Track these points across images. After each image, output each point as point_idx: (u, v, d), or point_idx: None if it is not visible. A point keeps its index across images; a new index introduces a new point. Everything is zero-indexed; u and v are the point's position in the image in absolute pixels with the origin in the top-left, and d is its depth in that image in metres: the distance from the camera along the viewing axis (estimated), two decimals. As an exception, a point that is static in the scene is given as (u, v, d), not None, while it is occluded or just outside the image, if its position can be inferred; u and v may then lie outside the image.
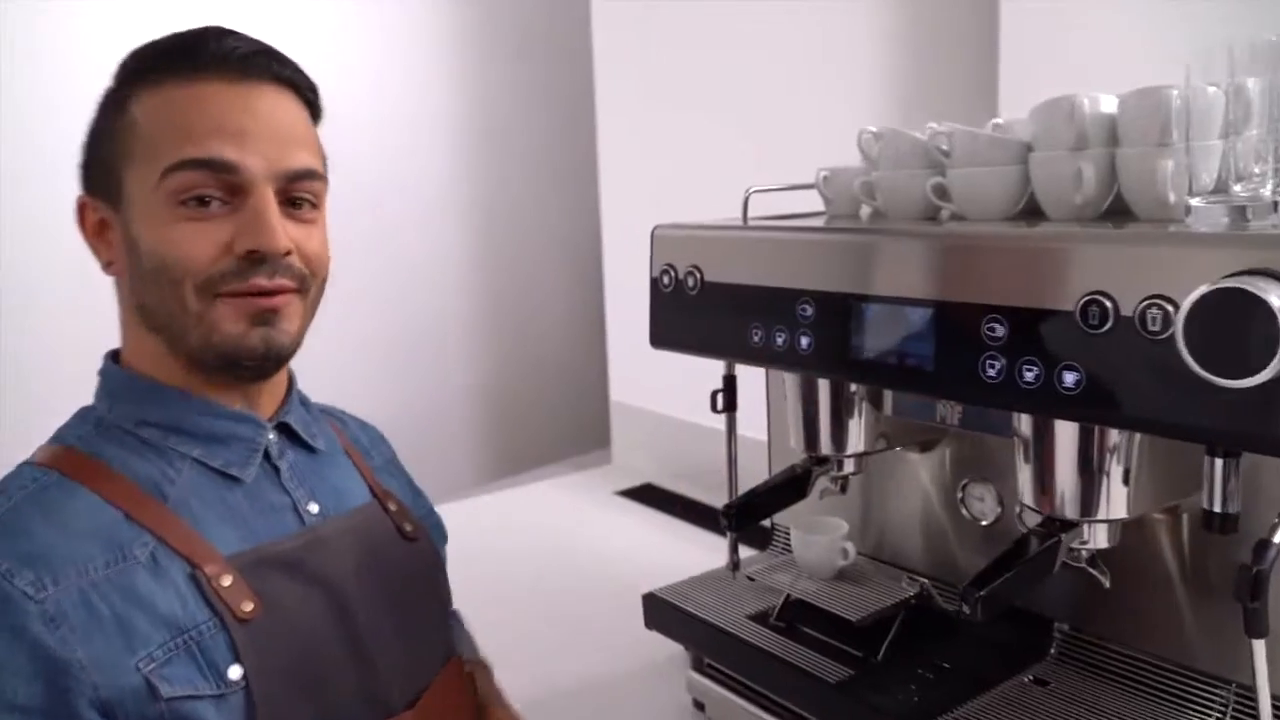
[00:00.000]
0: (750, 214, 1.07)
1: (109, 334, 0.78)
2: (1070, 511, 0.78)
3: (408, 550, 0.84)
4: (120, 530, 0.67)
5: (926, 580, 1.01)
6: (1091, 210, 0.84)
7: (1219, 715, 0.82)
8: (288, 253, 0.71)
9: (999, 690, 0.89)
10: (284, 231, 0.71)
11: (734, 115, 1.79)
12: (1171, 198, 0.78)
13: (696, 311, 1.00)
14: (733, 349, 0.98)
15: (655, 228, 1.06)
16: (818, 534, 1.06)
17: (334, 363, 2.25)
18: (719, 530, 1.62)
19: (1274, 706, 0.72)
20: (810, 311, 0.88)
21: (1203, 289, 0.61)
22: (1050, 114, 0.85)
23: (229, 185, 0.69)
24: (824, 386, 0.99)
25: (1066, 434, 0.78)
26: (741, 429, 1.15)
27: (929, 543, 1.08)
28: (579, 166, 2.44)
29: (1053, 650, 0.93)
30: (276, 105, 0.73)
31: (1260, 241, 0.63)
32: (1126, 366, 0.67)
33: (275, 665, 0.69)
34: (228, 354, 0.71)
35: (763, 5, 1.70)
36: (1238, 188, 0.74)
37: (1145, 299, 0.65)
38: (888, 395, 1.00)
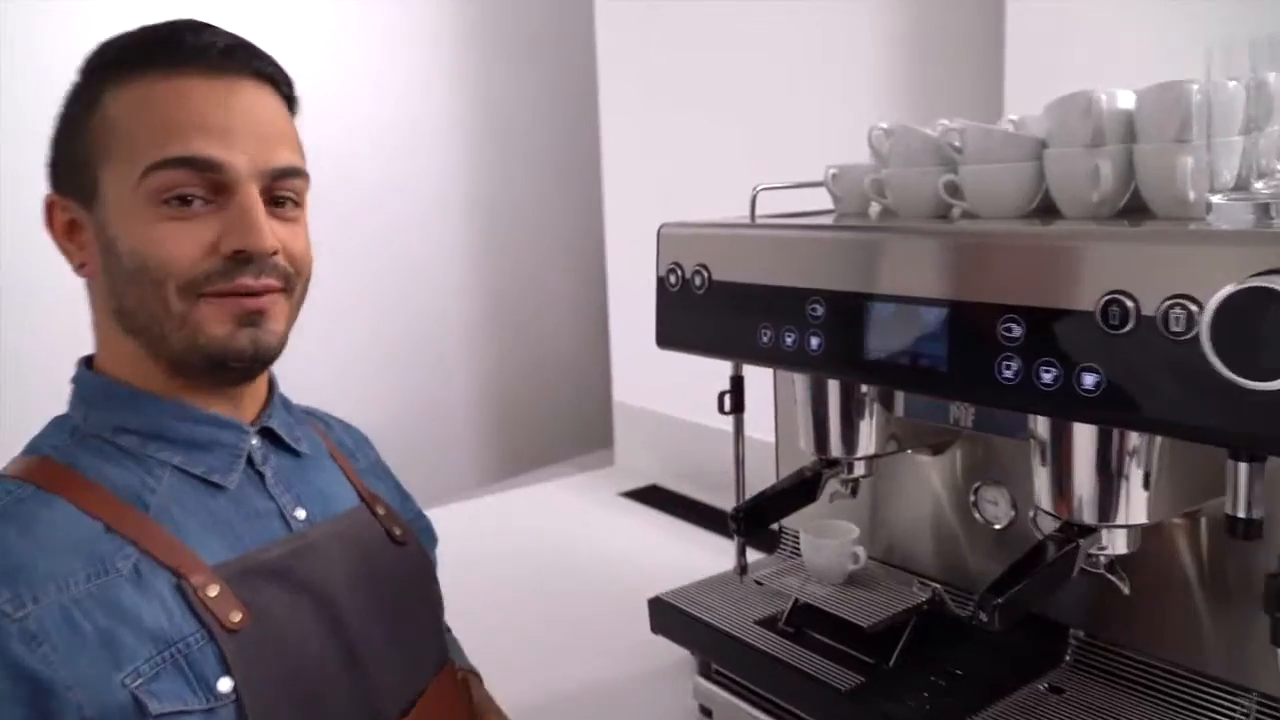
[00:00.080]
0: (757, 212, 1.05)
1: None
2: (1088, 516, 0.77)
3: (398, 555, 0.82)
4: (101, 542, 0.65)
5: (938, 585, 0.99)
6: (1108, 208, 0.82)
7: (1240, 724, 0.80)
8: (275, 252, 0.70)
9: (1014, 698, 0.87)
10: (271, 231, 0.69)
11: (737, 115, 1.78)
12: (1191, 195, 0.76)
13: (704, 311, 0.99)
14: (741, 349, 0.96)
15: (661, 226, 1.04)
16: (827, 538, 1.04)
17: (336, 363, 2.25)
18: (725, 532, 1.61)
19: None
20: (821, 311, 0.87)
21: (1229, 289, 0.59)
22: (1066, 110, 0.83)
23: (213, 184, 0.68)
24: (834, 388, 0.98)
25: (1085, 437, 0.76)
26: (749, 430, 1.13)
27: (940, 547, 1.06)
28: (582, 166, 2.43)
29: (1068, 657, 0.91)
30: (257, 101, 0.71)
31: (1287, 240, 0.61)
32: (1148, 368, 0.65)
33: (266, 676, 0.67)
34: (214, 356, 0.69)
35: (766, 5, 1.69)
36: (1259, 185, 0.72)
37: (1168, 299, 0.63)
38: (899, 396, 0.98)
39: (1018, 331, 0.72)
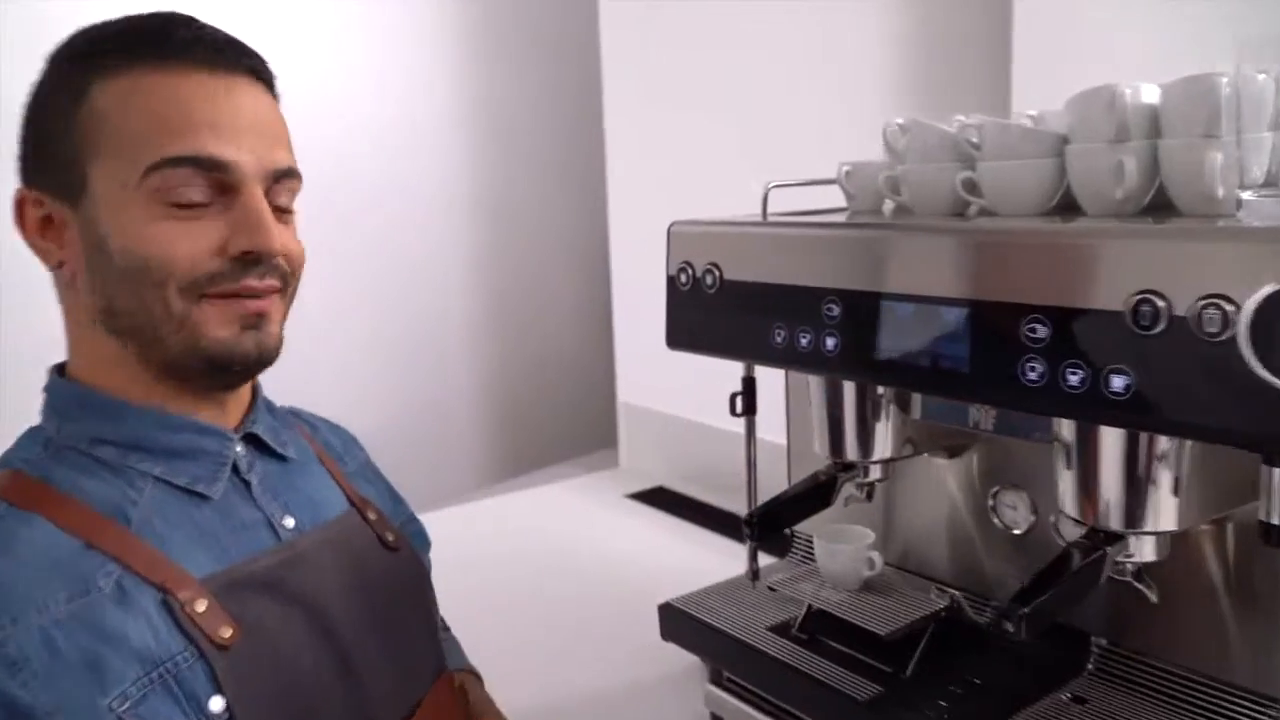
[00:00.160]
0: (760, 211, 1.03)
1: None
2: (1115, 523, 0.74)
3: (391, 561, 0.80)
4: (81, 560, 0.62)
5: (956, 592, 0.97)
6: (1132, 205, 0.80)
7: (1268, 736, 0.78)
8: (284, 254, 0.69)
9: (1035, 708, 0.85)
10: (278, 232, 0.68)
11: (741, 114, 1.76)
12: (1220, 192, 0.74)
13: (715, 311, 0.97)
14: (754, 350, 0.94)
15: (672, 224, 1.02)
16: (842, 543, 1.02)
17: (337, 363, 2.24)
18: (733, 535, 1.60)
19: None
20: (837, 311, 0.84)
21: (1269, 288, 0.57)
22: (1088, 104, 0.81)
23: (218, 184, 0.66)
24: (849, 389, 0.95)
25: (1112, 441, 0.74)
26: (759, 432, 1.11)
27: (956, 552, 1.03)
28: (585, 165, 2.42)
29: (1090, 665, 0.89)
30: (257, 100, 0.69)
31: (1328, 237, 0.59)
32: (1181, 369, 0.63)
33: (259, 693, 0.64)
34: (217, 359, 0.68)
35: (770, 4, 1.67)
36: (1291, 181, 0.70)
37: (1202, 298, 0.61)
38: (916, 398, 0.96)
39: (1043, 332, 0.70)
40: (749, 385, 1.07)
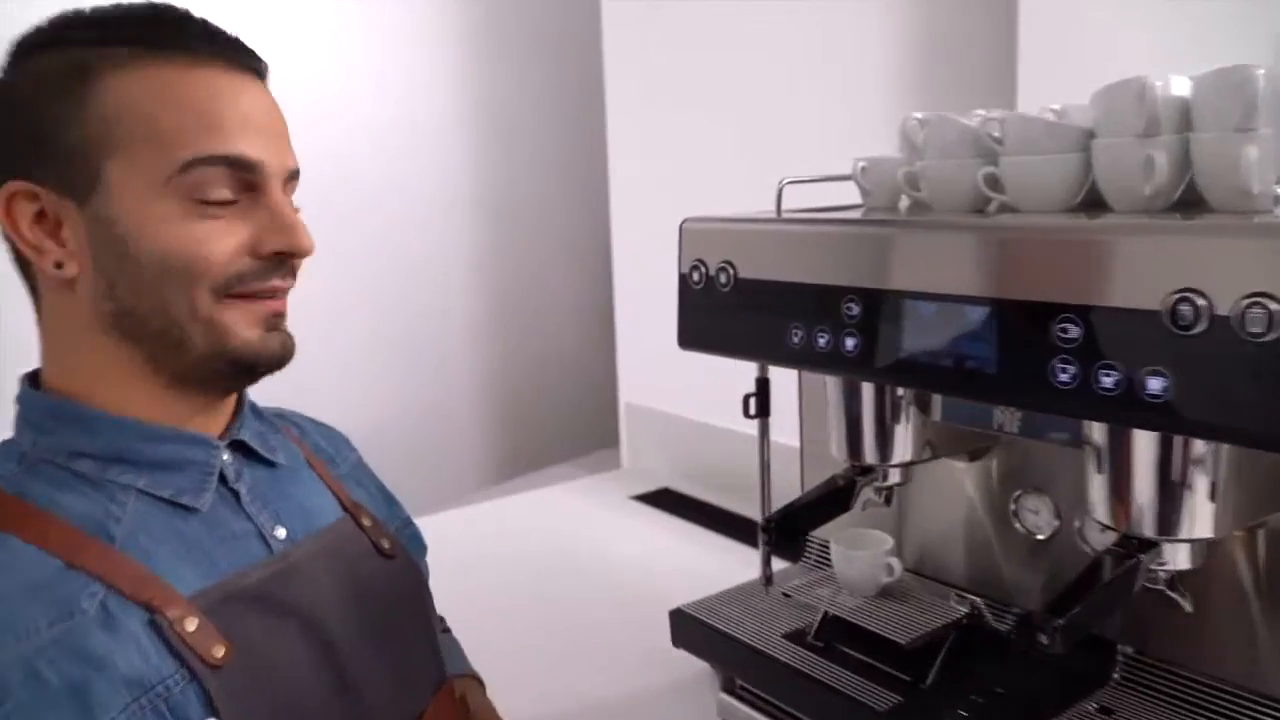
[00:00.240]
0: (764, 209, 1.00)
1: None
2: (1149, 530, 0.72)
3: (387, 569, 0.77)
4: (61, 582, 0.58)
5: (977, 599, 0.95)
6: (1161, 201, 0.77)
7: (1304, 748, 0.76)
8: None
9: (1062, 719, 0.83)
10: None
11: (743, 113, 1.74)
12: (1255, 187, 0.71)
13: (729, 310, 0.94)
14: (769, 350, 0.91)
15: (684, 221, 1.00)
16: (860, 548, 0.99)
17: (338, 363, 2.22)
18: (741, 538, 1.57)
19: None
20: (857, 310, 0.82)
21: (1321, 286, 0.54)
22: (1116, 97, 0.78)
23: (245, 183, 0.64)
24: (868, 391, 0.93)
25: (1146, 445, 0.71)
26: (771, 434, 1.08)
27: (974, 557, 1.01)
28: (587, 164, 2.41)
29: (1116, 675, 0.87)
30: (269, 99, 0.68)
31: (1381, 233, 0.56)
32: (1222, 371, 0.60)
33: (255, 713, 0.61)
34: (243, 360, 0.66)
35: (772, 4, 1.65)
36: (1329, 176, 0.68)
37: (1246, 297, 0.59)
38: (936, 400, 0.93)
39: (1074, 332, 0.68)
40: (763, 386, 1.05)
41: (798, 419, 1.15)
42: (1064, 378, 0.68)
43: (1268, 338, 0.58)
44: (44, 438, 0.64)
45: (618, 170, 2.08)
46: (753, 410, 1.05)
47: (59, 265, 0.63)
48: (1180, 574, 0.75)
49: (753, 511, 1.67)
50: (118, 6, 0.65)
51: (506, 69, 2.49)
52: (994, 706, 0.85)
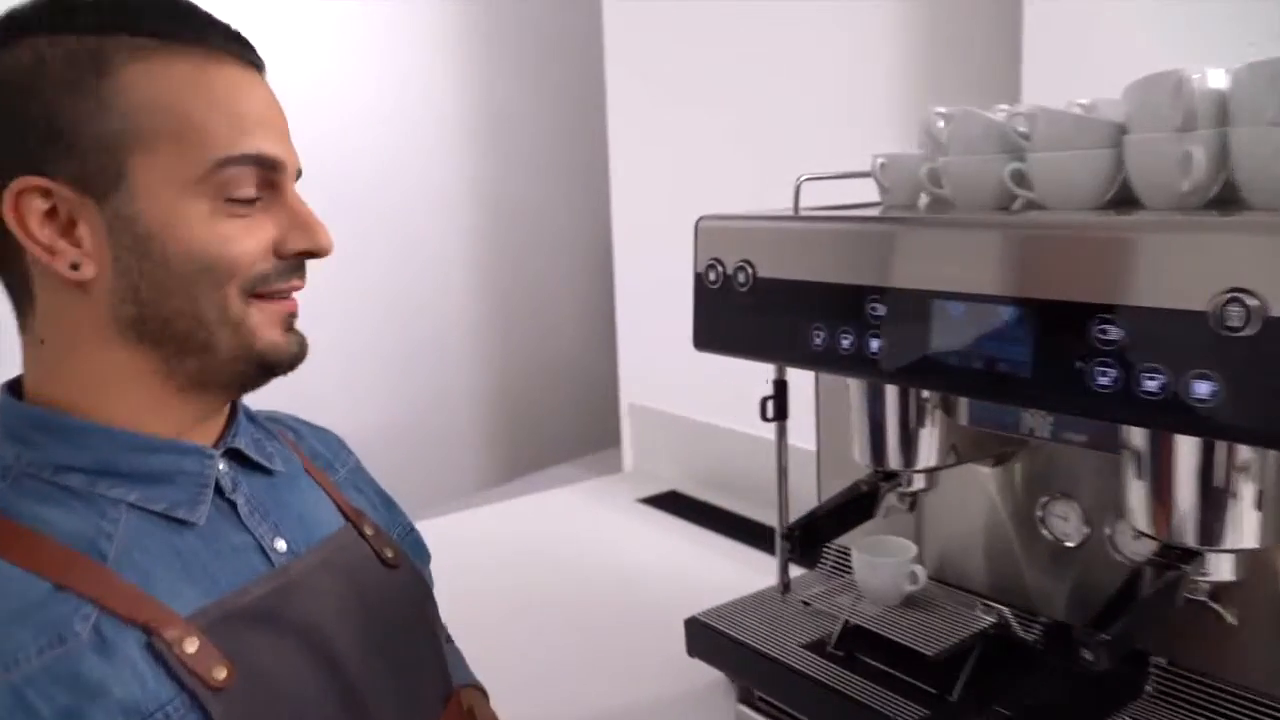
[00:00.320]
0: (766, 207, 0.98)
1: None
2: (1191, 539, 0.69)
3: (391, 580, 0.74)
4: (51, 605, 0.55)
5: (1004, 608, 0.92)
6: (1197, 198, 0.74)
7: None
8: None
9: (1094, 733, 0.80)
10: None
11: (746, 112, 1.72)
12: (1298, 182, 0.69)
13: (748, 310, 0.92)
14: (790, 352, 0.89)
15: (700, 219, 0.97)
16: (884, 556, 0.96)
17: (339, 363, 2.19)
18: (753, 542, 1.55)
19: None
20: (883, 311, 0.79)
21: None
22: (1150, 91, 0.76)
23: (268, 181, 0.62)
24: (892, 394, 0.90)
25: (1189, 451, 0.68)
26: (773, 435, 1.06)
27: (998, 565, 0.98)
28: (588, 163, 2.39)
29: (1149, 687, 0.84)
30: (276, 97, 0.66)
31: None
32: (1274, 374, 0.58)
33: None
34: (268, 361, 0.64)
35: (775, 2, 1.63)
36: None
37: (1301, 297, 0.56)
38: (962, 403, 0.90)
39: (1115, 334, 0.65)
40: (780, 389, 1.02)
41: (814, 422, 1.13)
42: (1104, 381, 0.65)
43: (1325, 340, 0.55)
44: (28, 451, 0.60)
45: (619, 169, 2.06)
46: (770, 413, 1.02)
47: (74, 267, 0.59)
48: (1222, 585, 0.72)
49: (763, 515, 1.65)
50: None
51: (507, 68, 2.48)
52: (1023, 719, 0.83)
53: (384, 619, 0.71)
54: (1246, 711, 0.79)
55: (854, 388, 0.93)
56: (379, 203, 2.25)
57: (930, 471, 0.92)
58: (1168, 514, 0.70)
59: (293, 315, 0.66)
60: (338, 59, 2.18)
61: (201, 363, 0.62)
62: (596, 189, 2.20)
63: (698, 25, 1.79)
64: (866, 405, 0.92)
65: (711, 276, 0.95)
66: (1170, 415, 0.62)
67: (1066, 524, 0.91)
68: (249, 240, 0.61)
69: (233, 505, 0.66)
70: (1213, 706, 0.81)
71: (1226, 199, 0.74)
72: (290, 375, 0.74)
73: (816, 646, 0.97)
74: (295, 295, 0.66)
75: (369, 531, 0.75)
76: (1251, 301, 0.58)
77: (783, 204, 0.98)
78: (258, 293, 0.62)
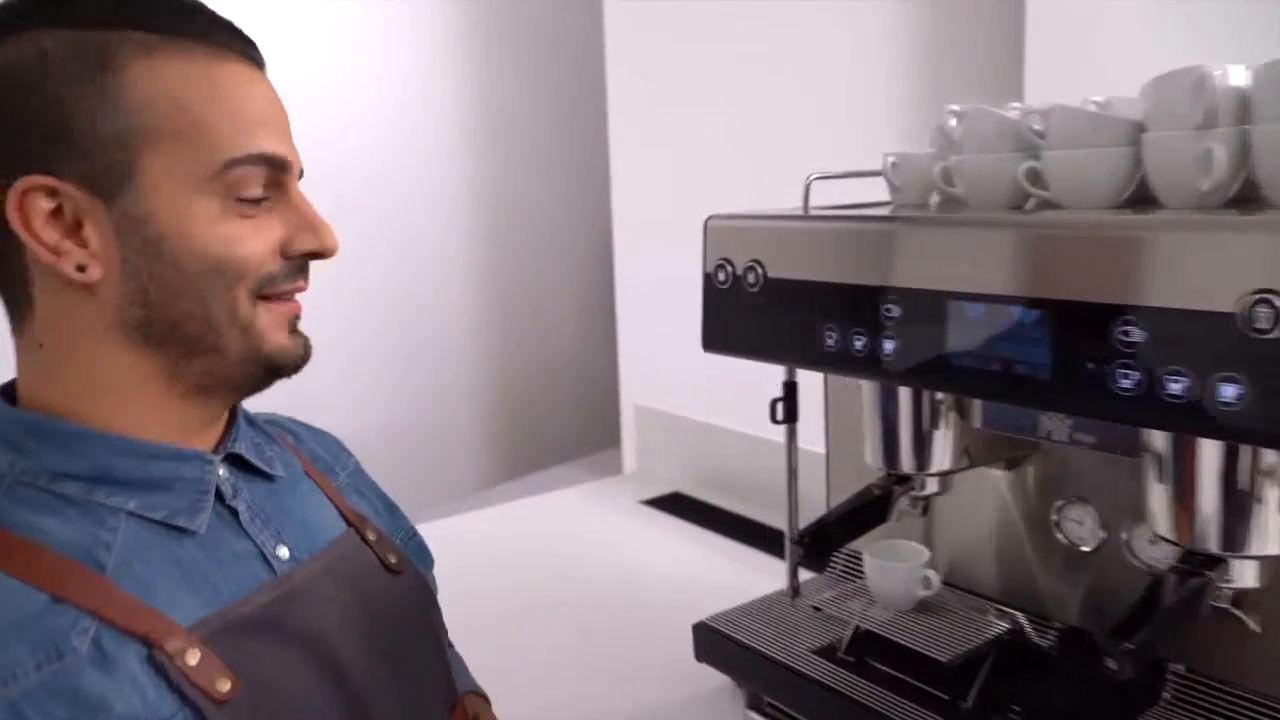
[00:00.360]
0: (774, 206, 0.97)
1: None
2: (1214, 545, 0.68)
3: (395, 586, 0.73)
4: (49, 618, 0.53)
5: (1018, 613, 0.90)
6: (1217, 197, 0.73)
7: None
8: None
9: (1112, 742, 0.79)
10: None
11: (747, 111, 1.71)
12: (1321, 180, 0.67)
13: (758, 311, 0.90)
14: (802, 354, 0.87)
15: (709, 218, 0.96)
16: (896, 560, 0.95)
17: (338, 363, 2.18)
18: (758, 545, 1.53)
19: None
20: (897, 312, 0.78)
21: None
22: (1170, 88, 0.74)
23: (275, 181, 0.61)
24: (905, 396, 0.89)
25: (1213, 455, 0.67)
26: (777, 435, 1.04)
27: (1010, 569, 0.97)
28: (589, 163, 2.39)
29: (1167, 694, 0.83)
30: (278, 95, 0.64)
31: None
32: (1304, 377, 0.56)
33: None
34: (275, 363, 0.63)
35: (776, 2, 1.62)
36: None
37: (1333, 298, 0.55)
38: (975, 405, 0.89)
39: (1137, 335, 0.64)
40: (790, 390, 1.01)
41: (823, 424, 1.11)
42: (1126, 384, 0.64)
43: (1357, 342, 0.54)
44: (23, 458, 0.58)
45: (620, 169, 2.05)
46: (780, 416, 1.01)
47: (81, 268, 0.57)
48: (1245, 592, 0.71)
49: (767, 517, 1.64)
50: None
51: (507, 68, 2.47)
52: (1039, 727, 0.82)
53: (388, 626, 0.70)
54: (1262, 717, 0.77)
55: (866, 389, 0.91)
56: (379, 203, 2.24)
57: (944, 475, 0.91)
58: (1190, 519, 0.69)
59: (297, 317, 0.65)
60: (338, 59, 2.17)
61: (208, 366, 0.61)
62: (596, 189, 2.20)
63: (699, 25, 1.78)
64: (879, 407, 0.90)
65: (721, 277, 0.93)
66: (1195, 419, 0.61)
67: (1082, 528, 0.90)
68: (257, 241, 0.60)
69: (234, 512, 0.64)
70: (1233, 714, 0.79)
71: (1246, 198, 0.72)
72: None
73: (827, 652, 0.95)
74: (298, 297, 0.65)
75: (372, 537, 0.73)
76: (1280, 303, 0.57)
77: (784, 204, 0.97)
78: (264, 294, 0.61)
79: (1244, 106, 0.72)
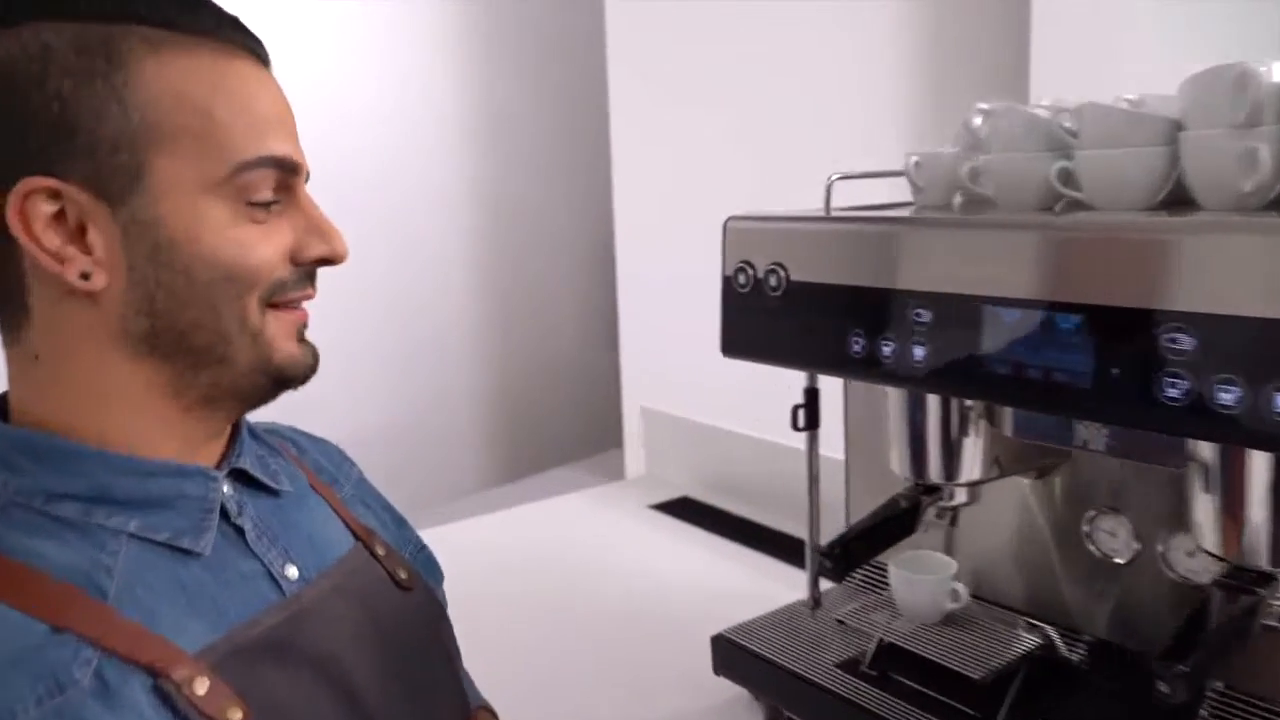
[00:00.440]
0: (780, 208, 0.94)
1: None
2: (1265, 561, 0.65)
3: (405, 603, 0.70)
4: (49, 649, 0.50)
5: (1049, 627, 0.88)
6: (1258, 198, 0.71)
7: None
8: None
9: (1150, 761, 0.76)
10: None
11: (750, 112, 1.69)
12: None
13: (780, 316, 0.88)
14: (826, 360, 0.85)
15: (729, 219, 0.93)
16: (922, 572, 0.92)
17: (339, 362, 2.15)
18: (772, 551, 1.51)
19: None
20: (927, 317, 0.75)
21: None
22: (1210, 86, 0.72)
23: (284, 185, 0.59)
24: (934, 403, 0.86)
25: (1264, 467, 0.65)
26: (791, 440, 1.02)
27: (1038, 581, 0.94)
28: (590, 163, 2.37)
29: (1204, 712, 0.80)
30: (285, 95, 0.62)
31: None
32: (1366, 388, 0.54)
33: None
34: (285, 373, 0.60)
35: (779, 2, 1.59)
36: None
37: (1399, 305, 0.52)
38: (1006, 413, 0.86)
39: (1186, 343, 0.61)
40: (812, 397, 0.98)
41: (843, 430, 1.09)
42: (1173, 393, 0.62)
43: None
44: (16, 478, 0.55)
45: (621, 168, 2.03)
46: (801, 423, 0.98)
47: (84, 276, 0.54)
48: None
49: (777, 521, 1.61)
50: None
51: (507, 68, 2.45)
52: (1073, 746, 0.79)
53: (399, 643, 0.67)
54: (1310, 738, 0.75)
55: (893, 396, 0.89)
56: (379, 203, 2.22)
57: (973, 485, 0.88)
58: (1239, 533, 0.66)
59: (305, 325, 0.62)
60: (338, 59, 2.15)
61: (215, 377, 0.58)
62: (597, 189, 2.18)
63: (700, 24, 1.76)
64: (906, 415, 0.88)
65: (741, 280, 0.91)
66: (1250, 431, 0.58)
67: (1115, 540, 0.87)
68: (268, 247, 0.57)
69: (239, 530, 0.61)
70: (1274, 732, 0.77)
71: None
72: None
73: (850, 665, 0.93)
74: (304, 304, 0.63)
75: (381, 552, 0.71)
76: (1342, 309, 0.54)
77: (786, 204, 0.94)
78: (273, 302, 0.59)
79: (1284, 105, 0.69)
